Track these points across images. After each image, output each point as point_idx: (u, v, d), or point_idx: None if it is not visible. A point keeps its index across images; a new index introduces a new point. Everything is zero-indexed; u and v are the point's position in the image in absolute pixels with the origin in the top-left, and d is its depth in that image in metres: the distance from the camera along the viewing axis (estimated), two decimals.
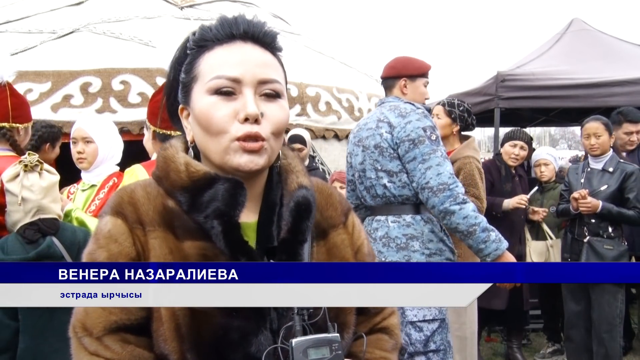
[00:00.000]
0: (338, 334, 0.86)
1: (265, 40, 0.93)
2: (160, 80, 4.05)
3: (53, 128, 3.24)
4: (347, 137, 4.87)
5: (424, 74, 2.75)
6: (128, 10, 5.00)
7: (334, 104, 4.80)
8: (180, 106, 0.97)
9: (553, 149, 4.19)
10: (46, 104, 3.92)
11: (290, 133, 4.01)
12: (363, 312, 1.06)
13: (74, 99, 3.96)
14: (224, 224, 0.88)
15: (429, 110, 2.74)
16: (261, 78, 0.90)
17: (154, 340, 0.89)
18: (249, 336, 0.88)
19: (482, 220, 2.41)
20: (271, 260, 0.92)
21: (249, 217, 0.94)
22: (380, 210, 2.63)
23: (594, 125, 3.51)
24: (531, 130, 10.97)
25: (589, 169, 3.56)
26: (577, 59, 5.37)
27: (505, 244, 2.41)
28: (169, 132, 2.28)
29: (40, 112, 3.71)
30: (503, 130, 4.96)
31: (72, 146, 2.62)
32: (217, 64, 0.90)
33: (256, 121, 0.88)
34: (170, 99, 1.01)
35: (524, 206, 3.75)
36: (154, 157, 2.46)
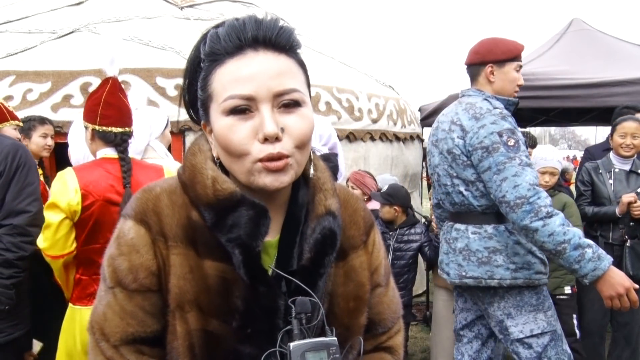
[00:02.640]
0: (335, 338, 0.86)
1: (279, 42, 0.86)
2: (160, 80, 4.05)
3: (29, 122, 3.26)
4: (347, 137, 4.87)
5: (514, 57, 2.38)
6: (128, 10, 5.00)
7: (334, 104, 4.80)
8: (203, 122, 0.93)
9: (558, 152, 3.63)
10: (46, 104, 3.93)
11: None
12: (370, 331, 1.05)
13: (74, 99, 3.96)
14: (244, 254, 0.86)
15: (516, 105, 2.44)
16: (277, 91, 0.83)
17: (168, 351, 0.91)
18: None
19: (574, 235, 2.05)
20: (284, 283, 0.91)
21: (271, 234, 0.91)
22: (459, 218, 2.41)
23: (633, 125, 3.39)
24: (531, 130, 10.97)
25: (616, 170, 3.44)
26: (577, 59, 5.36)
27: (606, 262, 2.03)
28: (109, 129, 2.16)
29: (40, 112, 3.71)
30: None
31: None
32: (228, 82, 0.84)
33: (277, 139, 0.83)
34: (190, 110, 0.97)
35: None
36: (88, 157, 2.37)
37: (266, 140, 0.82)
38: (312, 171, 0.96)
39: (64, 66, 4.08)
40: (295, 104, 0.85)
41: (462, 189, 2.32)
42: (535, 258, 2.29)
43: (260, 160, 0.83)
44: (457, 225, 2.40)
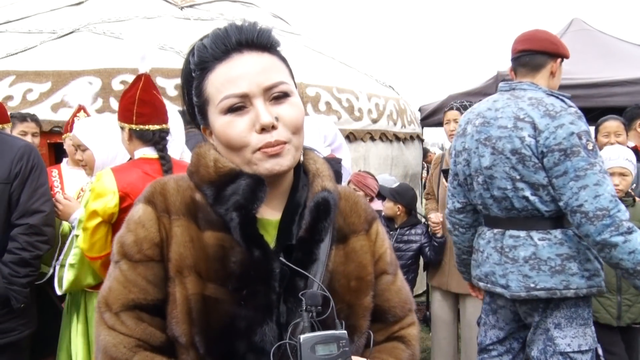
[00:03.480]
0: (345, 331, 0.87)
1: (260, 42, 0.95)
2: (161, 80, 4.05)
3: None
4: (347, 137, 4.86)
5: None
6: (128, 10, 5.00)
7: (334, 104, 4.80)
8: (202, 127, 1.02)
9: (626, 151, 2.99)
10: (46, 104, 3.92)
11: None
12: (380, 320, 1.07)
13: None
14: (241, 217, 0.92)
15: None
16: (266, 85, 0.92)
17: (168, 322, 0.94)
18: (255, 326, 0.91)
19: None
20: (283, 259, 0.95)
21: (273, 215, 0.99)
22: (514, 224, 2.17)
23: (615, 124, 3.41)
24: None
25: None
26: (577, 59, 5.35)
27: None
28: (146, 127, 2.13)
29: (40, 112, 3.71)
30: None
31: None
32: (221, 84, 0.93)
33: (273, 127, 0.91)
34: (191, 118, 1.05)
35: None
36: (115, 159, 2.35)
37: (263, 130, 0.91)
38: (311, 164, 1.04)
39: (64, 66, 4.08)
40: (284, 95, 0.94)
41: (527, 193, 2.09)
42: (600, 264, 2.12)
43: (260, 149, 0.92)
44: (513, 232, 2.16)
